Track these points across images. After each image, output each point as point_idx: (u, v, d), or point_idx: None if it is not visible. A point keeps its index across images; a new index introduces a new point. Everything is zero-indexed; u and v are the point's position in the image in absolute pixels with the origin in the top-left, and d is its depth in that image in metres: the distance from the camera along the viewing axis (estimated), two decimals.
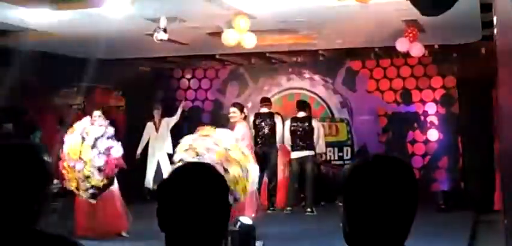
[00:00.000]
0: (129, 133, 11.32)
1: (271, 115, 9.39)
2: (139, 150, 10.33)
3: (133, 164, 10.53)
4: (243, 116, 7.74)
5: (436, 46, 9.37)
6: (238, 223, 5.58)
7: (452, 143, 9.95)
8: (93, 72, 10.41)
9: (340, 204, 1.53)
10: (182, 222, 1.53)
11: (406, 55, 9.12)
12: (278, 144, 9.29)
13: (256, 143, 9.36)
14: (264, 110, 9.46)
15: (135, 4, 6.14)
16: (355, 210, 1.48)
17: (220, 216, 1.58)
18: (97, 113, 7.59)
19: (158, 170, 10.02)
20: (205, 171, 1.60)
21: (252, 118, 9.51)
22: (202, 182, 1.55)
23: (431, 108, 10.09)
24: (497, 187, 8.51)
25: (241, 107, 7.88)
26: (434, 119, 10.08)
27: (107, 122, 7.56)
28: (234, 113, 7.70)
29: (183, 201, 1.53)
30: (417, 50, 8.01)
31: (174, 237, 1.55)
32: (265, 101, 9.64)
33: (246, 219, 5.76)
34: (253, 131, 9.38)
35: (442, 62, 10.06)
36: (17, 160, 1.66)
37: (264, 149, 9.24)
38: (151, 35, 7.06)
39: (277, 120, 9.36)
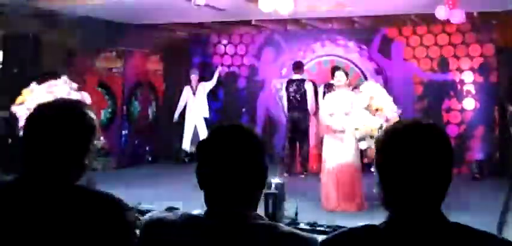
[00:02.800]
0: (166, 97, 11.62)
1: (302, 81, 9.41)
2: (177, 114, 10.55)
3: (171, 127, 10.84)
4: (348, 81, 7.28)
5: (475, 13, 9.19)
6: (272, 185, 5.77)
7: (488, 112, 9.82)
8: (132, 37, 10.67)
9: (372, 170, 1.59)
10: (220, 181, 1.58)
11: (444, 22, 8.99)
12: (309, 110, 9.30)
13: (288, 109, 9.49)
14: (296, 76, 9.50)
15: None
16: (389, 174, 1.48)
17: (258, 175, 1.62)
18: (64, 77, 7.80)
19: (195, 133, 10.25)
20: (243, 131, 1.64)
21: (284, 85, 9.59)
22: (240, 142, 1.60)
23: (468, 76, 9.93)
24: None
25: (346, 72, 7.33)
26: (471, 88, 9.93)
27: (75, 86, 7.71)
28: (342, 76, 7.07)
29: (221, 160, 1.58)
30: (457, 17, 7.83)
31: (212, 195, 1.60)
32: (296, 67, 9.60)
33: (278, 180, 5.94)
34: (285, 96, 9.49)
35: (481, 30, 9.84)
36: (68, 116, 1.69)
37: (295, 114, 9.35)
38: (189, 0, 7.19)
39: (308, 86, 9.36)
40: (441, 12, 7.65)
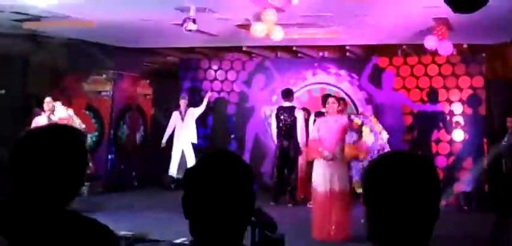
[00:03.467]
0: (155, 121, 11.53)
1: (292, 109, 9.35)
2: (164, 139, 10.45)
3: (158, 152, 10.72)
4: (340, 108, 7.38)
5: (465, 45, 9.26)
6: (260, 214, 5.65)
7: (477, 144, 9.83)
8: (122, 60, 10.62)
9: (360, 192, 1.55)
10: (207, 210, 1.54)
11: (434, 53, 9.04)
12: (299, 139, 9.18)
13: (277, 137, 9.42)
14: (287, 103, 9.43)
15: None
16: (376, 206, 1.46)
17: (245, 205, 1.58)
18: (48, 99, 7.87)
19: (182, 159, 10.14)
20: (230, 159, 1.61)
21: (274, 112, 9.54)
22: (228, 171, 1.57)
23: (457, 108, 9.97)
24: None
25: (342, 98, 7.38)
26: (460, 119, 9.96)
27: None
28: (333, 103, 7.09)
29: (208, 189, 1.54)
30: (446, 48, 7.93)
31: (198, 225, 1.56)
32: (286, 95, 9.51)
33: (265, 210, 5.82)
34: (275, 124, 9.43)
35: (471, 62, 9.92)
36: (60, 141, 1.68)
37: (284, 142, 9.27)
38: (181, 25, 7.16)
39: (298, 114, 9.30)
40: (430, 43, 7.70)
